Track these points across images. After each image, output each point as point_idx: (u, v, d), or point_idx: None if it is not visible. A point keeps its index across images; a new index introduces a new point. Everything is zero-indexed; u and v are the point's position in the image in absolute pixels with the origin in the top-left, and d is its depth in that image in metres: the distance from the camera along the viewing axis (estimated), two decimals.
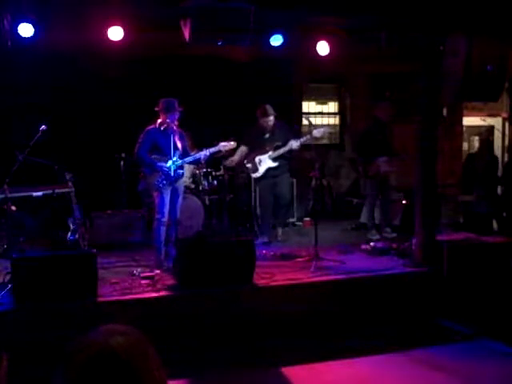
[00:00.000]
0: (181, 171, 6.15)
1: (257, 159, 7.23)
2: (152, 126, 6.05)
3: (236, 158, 7.41)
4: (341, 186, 10.26)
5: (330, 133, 9.83)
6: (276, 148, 7.15)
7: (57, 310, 4.73)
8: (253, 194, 7.63)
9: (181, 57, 8.11)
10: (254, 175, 7.34)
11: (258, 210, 7.61)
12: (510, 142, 10.78)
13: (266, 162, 7.20)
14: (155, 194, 6.04)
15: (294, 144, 7.03)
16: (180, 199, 6.20)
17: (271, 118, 7.16)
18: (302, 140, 7.04)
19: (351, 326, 5.38)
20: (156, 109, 5.97)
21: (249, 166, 7.36)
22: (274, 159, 7.18)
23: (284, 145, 7.11)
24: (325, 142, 10.15)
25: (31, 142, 5.92)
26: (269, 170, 7.22)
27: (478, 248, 6.14)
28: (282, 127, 7.30)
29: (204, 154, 6.18)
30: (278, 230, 7.43)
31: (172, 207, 6.08)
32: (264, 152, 7.20)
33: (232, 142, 6.45)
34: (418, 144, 6.26)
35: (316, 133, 7.15)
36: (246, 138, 7.40)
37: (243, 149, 7.37)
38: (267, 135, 7.26)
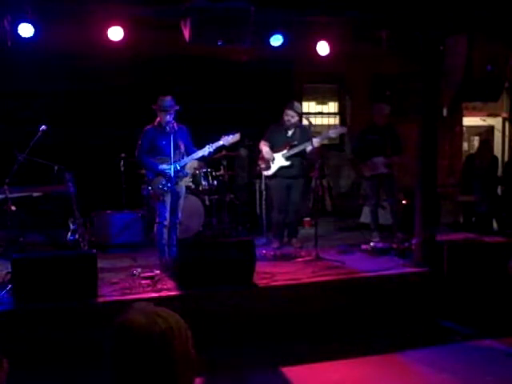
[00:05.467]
0: (184, 172, 6.13)
1: (271, 157, 7.01)
2: (149, 126, 6.02)
3: (264, 149, 7.03)
4: (341, 186, 10.27)
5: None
6: (290, 147, 6.92)
7: (57, 310, 4.73)
8: (263, 192, 7.47)
9: (181, 57, 8.11)
10: (266, 173, 7.13)
11: (270, 212, 7.34)
12: (510, 142, 10.79)
13: (278, 160, 6.96)
14: (157, 197, 6.01)
15: (308, 147, 6.78)
16: (181, 201, 6.15)
17: (293, 114, 6.88)
18: (316, 141, 6.77)
19: (351, 326, 5.38)
20: (153, 107, 5.94)
21: (262, 164, 7.13)
22: (287, 158, 6.92)
23: (298, 145, 6.87)
24: (325, 142, 10.13)
25: (31, 142, 5.92)
26: (281, 168, 6.97)
27: (478, 248, 6.13)
28: (304, 130, 7.02)
29: (208, 150, 6.05)
30: (293, 240, 7.26)
31: (173, 210, 6.05)
32: (280, 150, 6.97)
33: (236, 134, 6.21)
34: (418, 144, 6.26)
35: (332, 133, 7.12)
36: (267, 133, 7.13)
37: (264, 143, 7.09)
38: (290, 133, 7.01)
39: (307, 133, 6.94)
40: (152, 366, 1.21)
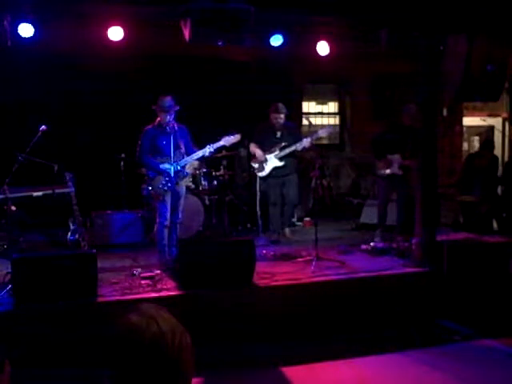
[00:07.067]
0: (185, 171, 6.14)
1: (263, 158, 7.34)
2: (149, 126, 6.03)
3: (257, 152, 7.37)
4: (341, 186, 10.27)
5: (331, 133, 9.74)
6: (282, 148, 7.24)
7: (57, 310, 4.73)
8: (258, 193, 7.59)
9: (181, 57, 8.10)
10: (260, 174, 7.41)
11: (268, 209, 7.55)
12: (510, 142, 10.78)
13: (272, 161, 7.29)
14: (158, 197, 6.02)
15: (299, 146, 7.16)
16: (182, 201, 6.17)
17: (282, 116, 7.26)
18: (307, 140, 7.09)
19: (351, 326, 5.38)
20: (153, 107, 5.95)
21: (255, 165, 7.44)
22: (281, 159, 7.26)
23: (290, 145, 7.21)
24: (325, 142, 10.15)
25: (31, 142, 5.92)
26: (274, 168, 7.31)
27: (478, 248, 6.13)
28: (292, 128, 7.46)
29: (209, 150, 6.09)
30: (286, 230, 7.44)
31: (173, 210, 6.06)
32: (272, 151, 7.29)
33: (236, 135, 6.32)
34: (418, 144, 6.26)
35: (321, 132, 7.31)
36: (256, 135, 7.47)
37: (255, 145, 7.45)
38: (278, 134, 7.34)
39: (295, 132, 7.38)
40: (144, 369, 1.23)
